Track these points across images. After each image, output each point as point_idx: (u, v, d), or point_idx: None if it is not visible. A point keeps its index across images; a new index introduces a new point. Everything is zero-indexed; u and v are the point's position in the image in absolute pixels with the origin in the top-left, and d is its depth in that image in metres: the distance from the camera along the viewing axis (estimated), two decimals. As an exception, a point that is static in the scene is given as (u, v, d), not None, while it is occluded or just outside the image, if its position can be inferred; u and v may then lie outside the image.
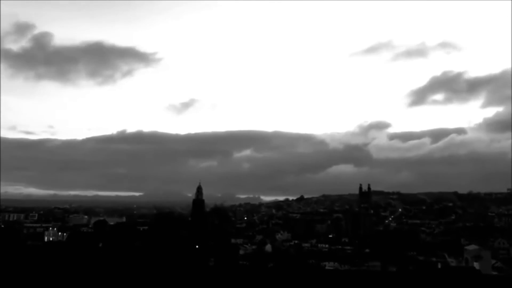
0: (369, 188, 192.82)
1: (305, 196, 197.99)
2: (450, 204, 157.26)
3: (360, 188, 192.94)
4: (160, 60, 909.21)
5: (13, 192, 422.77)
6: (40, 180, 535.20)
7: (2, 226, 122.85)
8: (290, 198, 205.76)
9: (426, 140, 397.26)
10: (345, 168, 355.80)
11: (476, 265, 67.48)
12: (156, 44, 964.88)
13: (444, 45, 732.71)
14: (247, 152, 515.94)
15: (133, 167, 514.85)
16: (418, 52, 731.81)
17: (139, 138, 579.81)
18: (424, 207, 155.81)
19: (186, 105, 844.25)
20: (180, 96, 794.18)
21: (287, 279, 19.43)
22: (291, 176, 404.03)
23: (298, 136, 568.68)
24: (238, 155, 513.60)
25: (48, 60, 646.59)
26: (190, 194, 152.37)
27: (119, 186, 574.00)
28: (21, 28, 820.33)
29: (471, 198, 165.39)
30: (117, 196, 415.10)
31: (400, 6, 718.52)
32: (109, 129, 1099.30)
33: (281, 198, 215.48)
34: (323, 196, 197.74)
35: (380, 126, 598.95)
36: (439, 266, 72.78)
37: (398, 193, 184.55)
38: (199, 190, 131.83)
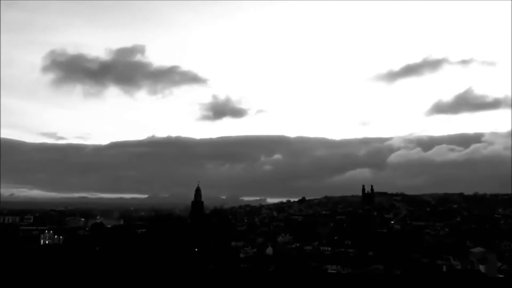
0: (372, 189, 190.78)
1: (307, 198, 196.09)
2: (455, 206, 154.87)
3: (363, 189, 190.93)
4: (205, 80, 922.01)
5: (19, 194, 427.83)
6: (48, 183, 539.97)
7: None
8: (292, 199, 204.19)
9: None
10: (362, 172, 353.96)
11: (481, 268, 66.61)
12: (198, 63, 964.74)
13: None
14: (266, 157, 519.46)
15: (147, 169, 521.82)
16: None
17: (165, 143, 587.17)
18: (428, 209, 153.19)
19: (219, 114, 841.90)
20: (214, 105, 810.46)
21: (289, 282, 17.80)
22: (307, 179, 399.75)
23: (317, 140, 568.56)
24: (259, 159, 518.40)
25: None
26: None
27: (125, 188, 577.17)
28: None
29: (477, 200, 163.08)
30: (121, 198, 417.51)
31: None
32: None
33: (284, 199, 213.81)
34: (326, 197, 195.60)
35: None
36: (444, 269, 71.13)
37: (402, 195, 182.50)
38: (197, 191, 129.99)
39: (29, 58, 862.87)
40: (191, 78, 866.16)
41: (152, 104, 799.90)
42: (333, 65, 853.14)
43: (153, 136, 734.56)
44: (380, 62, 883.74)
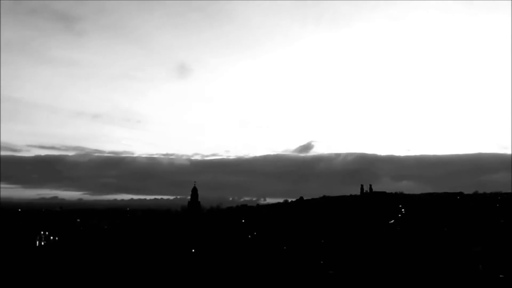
0: (370, 189, 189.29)
1: (305, 198, 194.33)
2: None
3: (362, 189, 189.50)
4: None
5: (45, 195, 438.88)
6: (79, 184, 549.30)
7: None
8: (290, 199, 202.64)
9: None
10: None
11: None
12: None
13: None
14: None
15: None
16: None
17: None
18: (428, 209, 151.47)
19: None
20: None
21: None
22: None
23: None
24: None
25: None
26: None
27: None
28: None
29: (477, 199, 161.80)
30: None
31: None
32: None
33: (281, 200, 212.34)
34: (324, 197, 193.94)
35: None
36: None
37: (401, 194, 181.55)
38: (194, 191, 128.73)
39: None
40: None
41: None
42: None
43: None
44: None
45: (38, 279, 62.73)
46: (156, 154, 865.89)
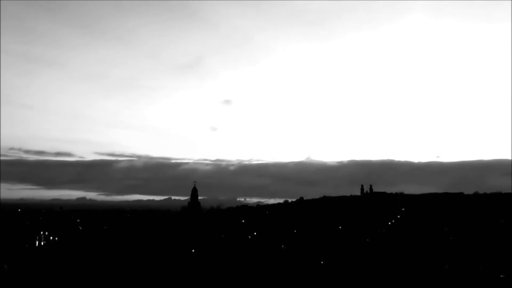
0: (371, 189, 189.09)
1: (305, 198, 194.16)
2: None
3: (362, 189, 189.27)
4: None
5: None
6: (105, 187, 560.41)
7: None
8: (290, 200, 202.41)
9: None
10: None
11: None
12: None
13: None
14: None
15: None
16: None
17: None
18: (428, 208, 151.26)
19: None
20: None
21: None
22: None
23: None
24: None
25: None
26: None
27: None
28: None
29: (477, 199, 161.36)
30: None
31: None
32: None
33: (281, 200, 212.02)
34: (324, 197, 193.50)
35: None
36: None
37: (402, 194, 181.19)
38: (194, 192, 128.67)
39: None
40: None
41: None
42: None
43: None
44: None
45: (38, 279, 62.66)
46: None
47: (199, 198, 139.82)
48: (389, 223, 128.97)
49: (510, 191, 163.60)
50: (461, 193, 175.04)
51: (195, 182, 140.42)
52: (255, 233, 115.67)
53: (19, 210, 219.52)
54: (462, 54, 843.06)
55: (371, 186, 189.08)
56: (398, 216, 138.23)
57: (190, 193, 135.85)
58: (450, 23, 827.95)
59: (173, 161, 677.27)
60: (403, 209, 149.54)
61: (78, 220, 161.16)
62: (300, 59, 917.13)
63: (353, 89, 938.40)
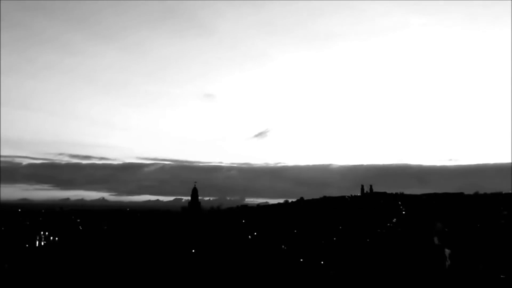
0: (371, 189, 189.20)
1: (305, 198, 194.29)
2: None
3: (362, 189, 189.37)
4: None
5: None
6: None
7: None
8: (290, 200, 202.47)
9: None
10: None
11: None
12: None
13: None
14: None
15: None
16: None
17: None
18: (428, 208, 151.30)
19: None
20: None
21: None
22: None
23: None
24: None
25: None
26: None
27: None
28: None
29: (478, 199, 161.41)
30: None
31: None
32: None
33: (281, 200, 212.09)
34: (324, 197, 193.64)
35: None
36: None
37: (402, 194, 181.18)
38: (194, 192, 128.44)
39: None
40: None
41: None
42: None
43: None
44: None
45: (38, 279, 62.69)
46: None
47: (199, 198, 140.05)
48: (389, 223, 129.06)
49: (510, 191, 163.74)
50: (461, 193, 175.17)
51: (195, 182, 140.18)
52: (255, 233, 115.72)
53: (19, 210, 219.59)
54: (473, 57, 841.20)
55: (371, 186, 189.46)
56: (399, 216, 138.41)
57: (193, 193, 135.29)
58: (462, 25, 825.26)
59: (196, 164, 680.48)
60: (403, 209, 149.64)
61: (78, 220, 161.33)
62: (309, 64, 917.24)
63: (368, 95, 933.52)
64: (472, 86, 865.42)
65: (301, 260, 78.12)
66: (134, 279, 63.31)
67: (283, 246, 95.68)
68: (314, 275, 66.57)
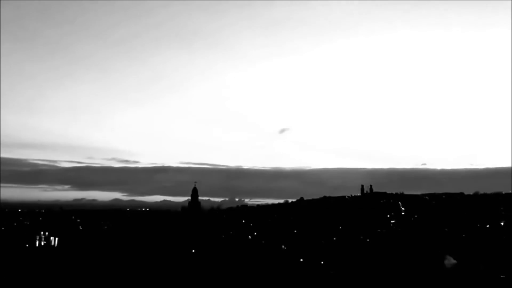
0: (371, 189, 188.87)
1: (305, 198, 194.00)
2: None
3: (362, 189, 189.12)
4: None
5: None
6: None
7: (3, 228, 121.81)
8: (290, 200, 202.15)
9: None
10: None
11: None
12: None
13: None
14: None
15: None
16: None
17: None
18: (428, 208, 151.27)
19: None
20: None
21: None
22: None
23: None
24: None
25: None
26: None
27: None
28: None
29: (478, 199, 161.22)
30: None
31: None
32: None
33: (281, 200, 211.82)
34: (324, 198, 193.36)
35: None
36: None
37: (402, 194, 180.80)
38: (194, 192, 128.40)
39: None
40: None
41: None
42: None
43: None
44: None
45: (38, 279, 62.68)
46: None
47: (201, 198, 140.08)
48: (389, 223, 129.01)
49: (510, 191, 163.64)
50: (461, 193, 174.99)
51: (195, 182, 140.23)
52: (255, 233, 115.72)
53: (19, 210, 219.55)
54: (473, 57, 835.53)
55: (371, 186, 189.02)
56: (399, 216, 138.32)
57: (193, 193, 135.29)
58: (474, 24, 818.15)
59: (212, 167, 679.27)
60: (403, 210, 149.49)
61: (78, 220, 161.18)
62: (329, 60, 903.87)
63: (374, 96, 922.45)
64: (472, 86, 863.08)
65: (301, 260, 78.13)
66: (134, 279, 63.31)
67: (283, 246, 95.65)
68: (314, 275, 66.56)
